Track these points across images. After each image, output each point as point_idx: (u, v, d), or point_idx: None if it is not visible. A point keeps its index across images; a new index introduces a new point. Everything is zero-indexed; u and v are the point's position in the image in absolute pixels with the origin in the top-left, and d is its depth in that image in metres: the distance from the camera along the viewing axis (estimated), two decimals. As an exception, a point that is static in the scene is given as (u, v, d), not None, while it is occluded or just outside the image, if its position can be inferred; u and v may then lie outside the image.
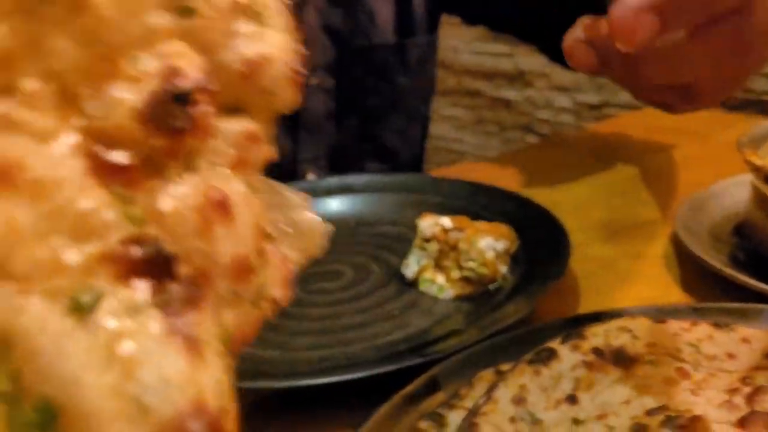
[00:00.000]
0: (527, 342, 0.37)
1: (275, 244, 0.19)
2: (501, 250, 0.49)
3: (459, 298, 0.48)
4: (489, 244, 0.48)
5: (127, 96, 0.15)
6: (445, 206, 0.57)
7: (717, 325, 0.36)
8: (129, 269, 0.15)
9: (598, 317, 0.38)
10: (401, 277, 0.50)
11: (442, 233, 0.49)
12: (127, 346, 0.14)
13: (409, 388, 0.35)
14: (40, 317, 0.14)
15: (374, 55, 0.79)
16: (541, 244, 0.50)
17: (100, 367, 0.14)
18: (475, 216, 0.53)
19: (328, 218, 0.21)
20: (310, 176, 0.76)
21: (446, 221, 0.49)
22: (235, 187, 0.17)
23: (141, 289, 0.15)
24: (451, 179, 0.64)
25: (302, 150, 0.77)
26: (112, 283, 0.15)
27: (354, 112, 0.80)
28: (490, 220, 0.52)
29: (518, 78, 1.38)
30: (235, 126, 0.17)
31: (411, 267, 0.50)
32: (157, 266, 0.15)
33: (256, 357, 0.42)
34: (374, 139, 0.83)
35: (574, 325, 0.37)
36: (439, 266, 0.49)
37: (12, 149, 0.14)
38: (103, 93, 0.15)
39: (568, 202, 0.64)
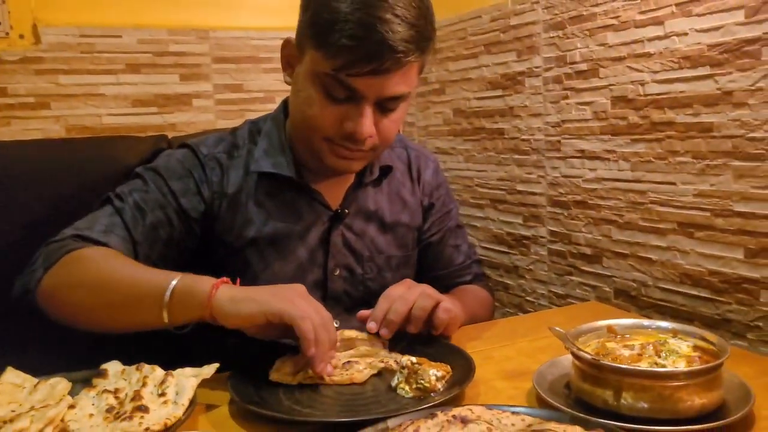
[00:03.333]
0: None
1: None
2: (440, 376, 0.97)
3: (415, 398, 0.96)
4: (434, 373, 0.97)
5: None
6: (423, 352, 1.07)
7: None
8: None
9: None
10: (390, 386, 1.00)
11: (411, 365, 0.98)
12: None
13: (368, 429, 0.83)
14: None
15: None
16: (462, 374, 0.98)
17: None
18: (433, 358, 1.02)
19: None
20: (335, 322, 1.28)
21: (413, 359, 0.99)
22: None
23: None
24: (429, 337, 1.14)
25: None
26: None
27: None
28: (441, 361, 1.01)
29: (512, 270, 1.87)
30: None
31: (394, 381, 0.99)
32: None
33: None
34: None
35: (448, 408, 0.85)
36: (407, 382, 0.97)
37: None
38: None
39: (497, 356, 1.13)
